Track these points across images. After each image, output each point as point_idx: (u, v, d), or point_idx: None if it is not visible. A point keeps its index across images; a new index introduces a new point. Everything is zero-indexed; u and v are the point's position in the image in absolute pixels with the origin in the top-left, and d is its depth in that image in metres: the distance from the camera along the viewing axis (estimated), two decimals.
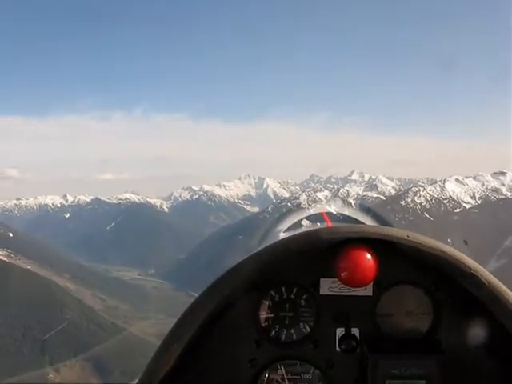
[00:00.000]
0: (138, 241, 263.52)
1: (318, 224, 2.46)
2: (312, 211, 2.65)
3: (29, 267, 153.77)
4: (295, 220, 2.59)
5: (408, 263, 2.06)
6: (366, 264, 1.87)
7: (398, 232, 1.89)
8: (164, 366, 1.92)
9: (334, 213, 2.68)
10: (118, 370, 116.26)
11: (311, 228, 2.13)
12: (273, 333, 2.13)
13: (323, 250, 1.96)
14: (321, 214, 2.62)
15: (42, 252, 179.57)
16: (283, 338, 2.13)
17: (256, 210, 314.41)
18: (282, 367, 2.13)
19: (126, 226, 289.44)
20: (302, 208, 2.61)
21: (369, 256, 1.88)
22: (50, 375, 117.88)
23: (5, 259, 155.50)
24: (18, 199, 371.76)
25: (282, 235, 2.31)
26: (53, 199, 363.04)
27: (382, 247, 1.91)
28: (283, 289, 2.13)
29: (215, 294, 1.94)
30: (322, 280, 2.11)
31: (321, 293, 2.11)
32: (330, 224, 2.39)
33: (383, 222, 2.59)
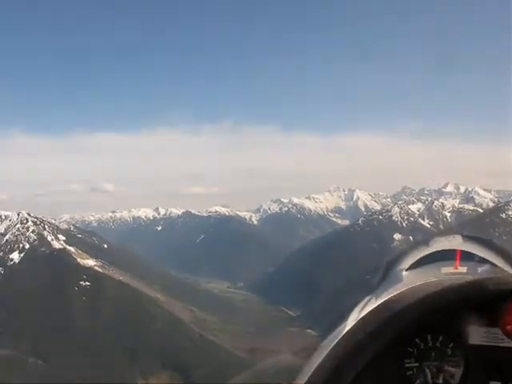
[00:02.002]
0: (227, 253, 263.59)
1: (440, 261, 2.30)
2: (433, 248, 2.40)
3: (121, 278, 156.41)
4: (417, 257, 2.39)
5: None
6: None
7: None
8: None
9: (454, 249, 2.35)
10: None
11: (476, 276, 1.99)
12: (417, 382, 1.97)
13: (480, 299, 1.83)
14: (454, 251, 2.34)
15: (134, 263, 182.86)
16: None
17: (346, 222, 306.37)
18: None
19: (215, 239, 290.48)
20: (423, 244, 2.38)
21: None
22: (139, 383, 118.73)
23: (99, 269, 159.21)
24: (113, 212, 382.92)
25: (405, 274, 2.24)
26: (145, 212, 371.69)
27: None
28: (429, 337, 1.98)
29: (374, 344, 1.79)
30: (471, 328, 1.97)
31: (470, 342, 1.97)
32: (458, 264, 2.25)
33: None
